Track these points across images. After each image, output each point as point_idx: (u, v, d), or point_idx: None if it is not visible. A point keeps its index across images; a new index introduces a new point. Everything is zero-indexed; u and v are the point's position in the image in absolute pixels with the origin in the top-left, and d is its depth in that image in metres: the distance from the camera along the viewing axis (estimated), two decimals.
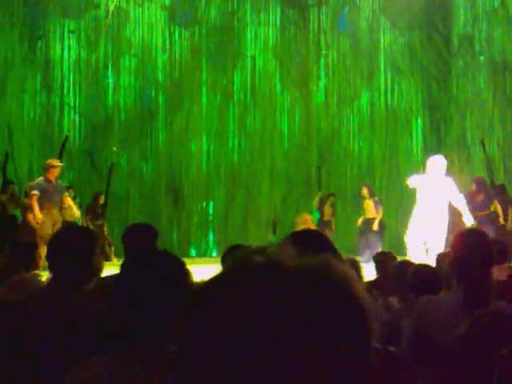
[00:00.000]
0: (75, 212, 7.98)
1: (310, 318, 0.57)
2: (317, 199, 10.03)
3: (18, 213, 8.63)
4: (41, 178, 7.55)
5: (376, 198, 9.52)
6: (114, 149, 10.46)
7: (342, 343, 0.58)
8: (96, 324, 1.86)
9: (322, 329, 0.57)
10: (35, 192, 7.31)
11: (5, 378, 1.41)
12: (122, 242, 3.18)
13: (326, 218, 9.81)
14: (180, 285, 1.40)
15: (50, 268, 2.27)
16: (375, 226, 9.15)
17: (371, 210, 9.35)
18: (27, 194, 7.84)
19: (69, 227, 2.20)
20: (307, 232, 1.71)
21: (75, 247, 2.15)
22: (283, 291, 0.58)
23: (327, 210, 9.82)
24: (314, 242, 1.58)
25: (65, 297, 2.05)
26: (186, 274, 1.46)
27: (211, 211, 11.20)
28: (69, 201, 7.84)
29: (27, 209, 7.74)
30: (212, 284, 0.62)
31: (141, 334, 1.37)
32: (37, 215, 7.24)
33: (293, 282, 0.59)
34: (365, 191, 9.60)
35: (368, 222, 9.32)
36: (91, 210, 9.27)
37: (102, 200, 9.35)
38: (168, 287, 1.39)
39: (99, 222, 8.97)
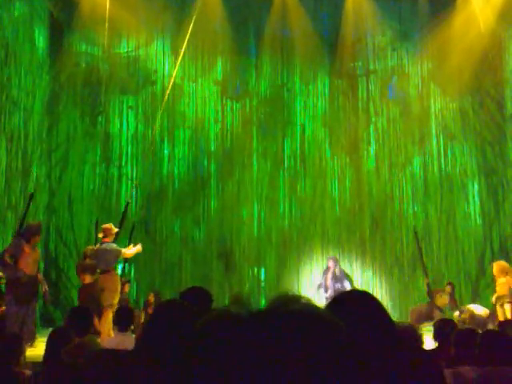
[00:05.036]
0: None
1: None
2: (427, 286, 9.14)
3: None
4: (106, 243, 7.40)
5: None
6: (135, 184, 10.66)
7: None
8: None
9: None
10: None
11: None
12: None
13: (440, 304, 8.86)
14: None
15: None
16: None
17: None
18: (86, 257, 7.89)
19: (171, 301, 2.26)
20: (351, 294, 1.53)
21: (179, 323, 2.16)
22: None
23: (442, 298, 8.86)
24: (358, 305, 1.40)
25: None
26: None
27: (263, 277, 11.06)
28: None
29: (86, 271, 7.75)
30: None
31: None
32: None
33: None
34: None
35: None
36: None
37: None
38: None
39: None
